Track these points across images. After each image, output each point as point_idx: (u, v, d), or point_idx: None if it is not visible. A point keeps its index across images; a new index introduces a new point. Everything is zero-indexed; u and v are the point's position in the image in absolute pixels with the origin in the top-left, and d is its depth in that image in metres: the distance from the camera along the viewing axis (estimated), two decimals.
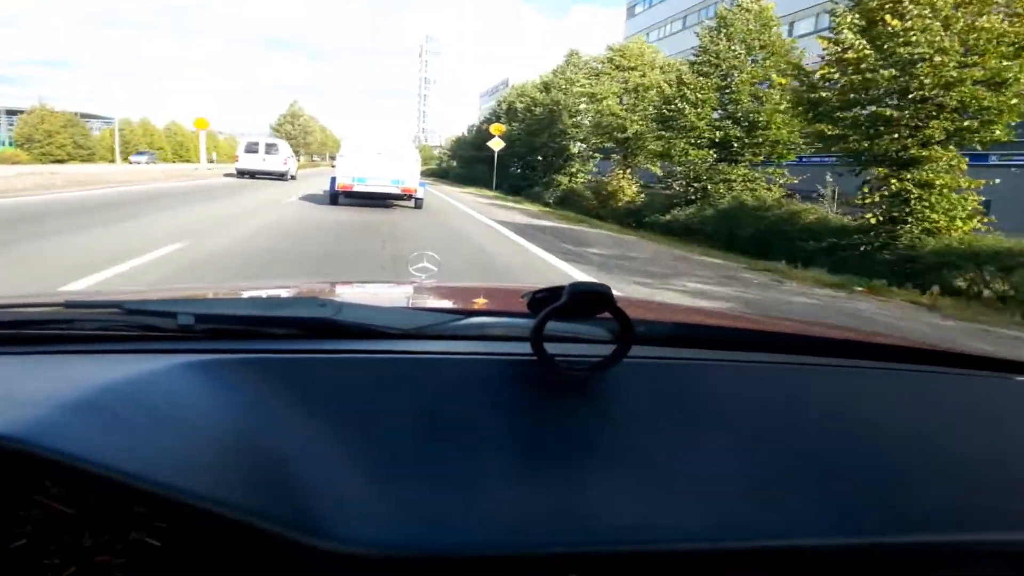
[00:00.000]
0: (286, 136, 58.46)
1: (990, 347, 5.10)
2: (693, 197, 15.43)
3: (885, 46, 9.13)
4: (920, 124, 9.15)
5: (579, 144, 26.49)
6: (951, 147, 9.19)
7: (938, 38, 8.64)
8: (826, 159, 14.44)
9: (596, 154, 25.57)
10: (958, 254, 7.93)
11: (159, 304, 0.85)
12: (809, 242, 10.48)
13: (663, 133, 16.59)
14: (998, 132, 8.88)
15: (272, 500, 0.50)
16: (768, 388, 0.72)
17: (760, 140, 15.00)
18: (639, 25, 53.13)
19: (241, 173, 24.80)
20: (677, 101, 15.85)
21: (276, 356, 0.66)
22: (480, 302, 1.30)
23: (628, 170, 20.21)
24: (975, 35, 8.59)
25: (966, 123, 8.89)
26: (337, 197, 13.44)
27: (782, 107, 14.08)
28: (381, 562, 0.50)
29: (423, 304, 1.15)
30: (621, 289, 6.00)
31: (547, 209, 20.47)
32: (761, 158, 15.23)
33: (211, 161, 44.28)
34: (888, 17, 8.93)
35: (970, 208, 9.09)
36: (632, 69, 21.64)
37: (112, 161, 38.70)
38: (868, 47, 9.35)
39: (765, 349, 0.83)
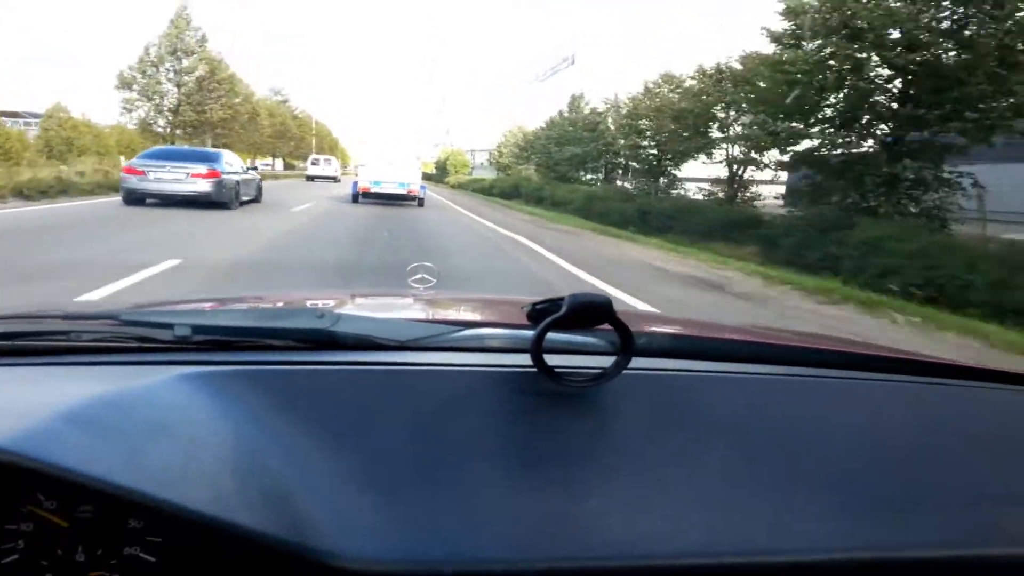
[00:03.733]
0: (148, 89, 30.31)
1: None
2: None
3: None
4: None
5: None
6: None
7: None
8: None
9: None
10: None
11: (156, 315, 0.84)
12: None
13: None
14: None
15: (269, 514, 0.50)
16: (768, 401, 0.72)
17: None
18: None
19: (309, 178, 38.47)
20: None
21: (273, 368, 0.65)
22: (479, 313, 1.29)
23: None
24: None
25: None
26: (357, 197, 17.43)
27: None
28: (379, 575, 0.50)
29: (422, 316, 1.15)
30: None
31: None
32: None
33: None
34: None
35: None
36: None
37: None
38: None
39: (765, 361, 0.82)
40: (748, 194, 14.90)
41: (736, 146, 14.65)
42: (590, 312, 0.61)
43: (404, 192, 17.30)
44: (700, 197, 15.86)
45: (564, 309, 0.61)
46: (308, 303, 1.17)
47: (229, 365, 0.65)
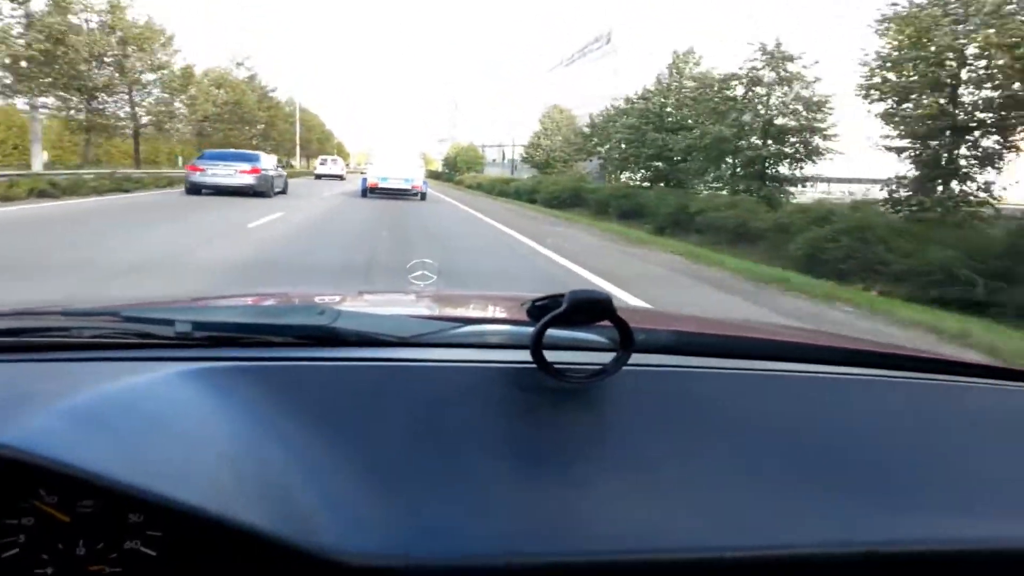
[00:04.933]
0: None
1: None
2: None
3: None
4: None
5: None
6: None
7: None
8: None
9: None
10: None
11: (156, 312, 0.85)
12: None
13: None
14: None
15: (269, 509, 0.50)
16: (768, 397, 0.72)
17: None
18: None
19: (317, 176, 41.86)
20: None
21: (274, 364, 0.66)
22: (480, 310, 1.30)
23: None
24: None
25: None
26: (366, 192, 19.96)
27: None
28: (379, 571, 0.50)
29: (422, 312, 1.16)
30: None
31: None
32: None
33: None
34: None
35: None
36: None
37: None
38: None
39: (764, 358, 0.83)
40: None
41: None
42: (590, 308, 0.62)
43: (408, 188, 19.96)
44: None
45: (564, 306, 0.61)
46: (311, 299, 1.17)
47: (230, 361, 0.65)
